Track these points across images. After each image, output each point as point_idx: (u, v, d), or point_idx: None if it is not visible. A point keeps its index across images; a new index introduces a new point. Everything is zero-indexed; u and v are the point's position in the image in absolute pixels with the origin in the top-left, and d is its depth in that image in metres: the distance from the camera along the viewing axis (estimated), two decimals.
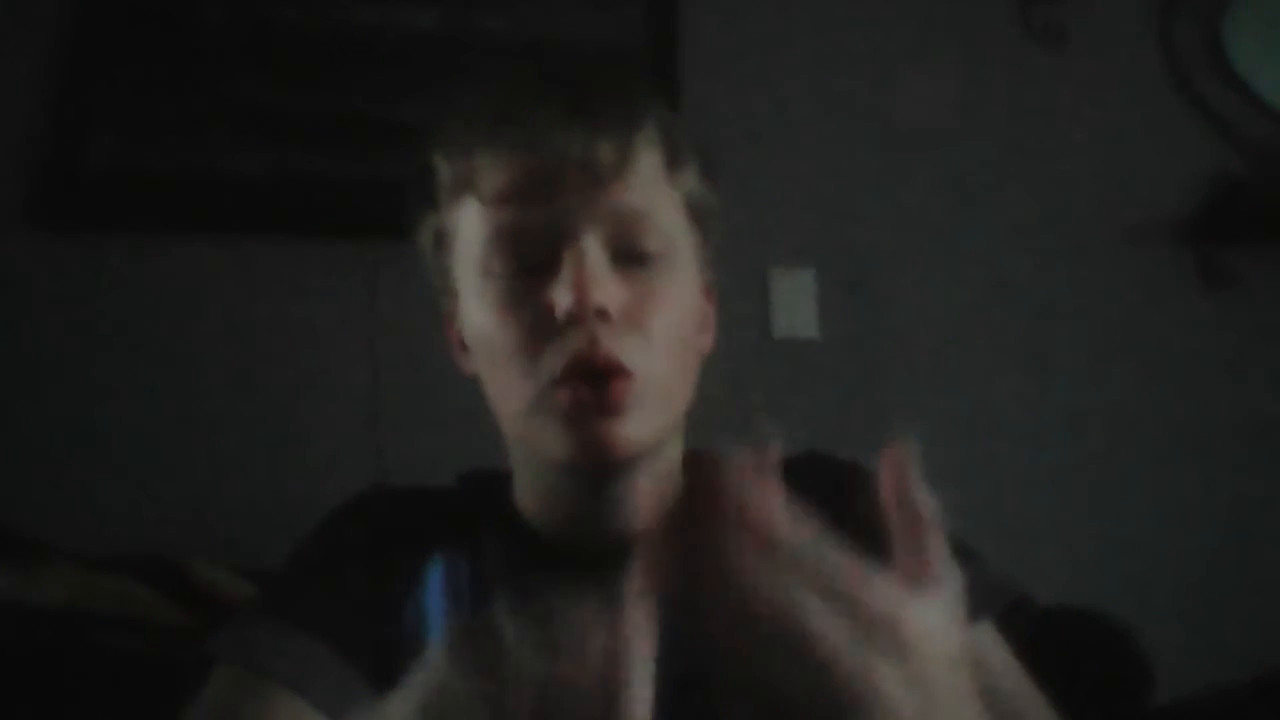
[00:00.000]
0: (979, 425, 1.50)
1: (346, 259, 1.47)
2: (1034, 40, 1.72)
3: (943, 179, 1.62)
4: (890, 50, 1.68)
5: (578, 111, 0.63)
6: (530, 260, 0.63)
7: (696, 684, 0.36)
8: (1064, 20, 1.71)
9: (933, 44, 1.70)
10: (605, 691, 0.35)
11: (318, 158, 1.52)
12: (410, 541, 0.64)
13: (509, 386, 0.64)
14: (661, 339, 0.63)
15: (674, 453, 0.69)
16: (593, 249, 0.62)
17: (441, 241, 0.69)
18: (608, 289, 0.61)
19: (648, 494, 0.45)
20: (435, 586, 0.44)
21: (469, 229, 0.66)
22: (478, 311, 0.65)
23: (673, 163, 0.67)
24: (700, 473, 0.37)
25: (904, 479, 0.37)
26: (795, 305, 1.55)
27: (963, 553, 0.38)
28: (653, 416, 0.63)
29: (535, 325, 0.62)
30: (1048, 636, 0.64)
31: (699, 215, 0.69)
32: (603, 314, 0.60)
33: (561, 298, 0.60)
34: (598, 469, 0.63)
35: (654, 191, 0.65)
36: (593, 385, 0.60)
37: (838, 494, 0.47)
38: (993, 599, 0.65)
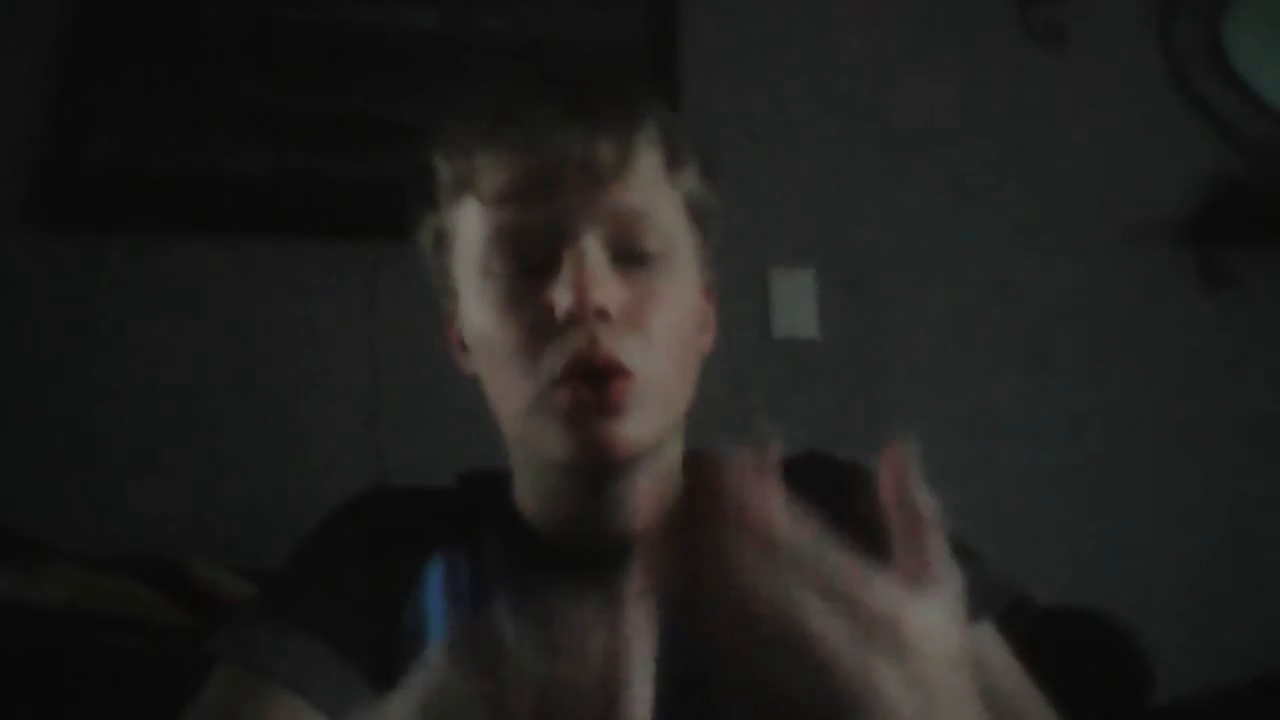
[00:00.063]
0: (979, 425, 1.50)
1: (346, 259, 1.47)
2: (1034, 40, 1.72)
3: (943, 179, 1.62)
4: (890, 50, 1.68)
5: (578, 111, 0.63)
6: (530, 260, 0.63)
7: (696, 684, 0.36)
8: (1064, 20, 1.71)
9: (933, 44, 1.70)
10: (605, 691, 0.35)
11: (318, 158, 1.52)
12: (410, 541, 0.64)
13: (509, 386, 0.64)
14: (661, 339, 0.63)
15: (674, 453, 0.69)
16: (593, 249, 0.61)
17: (441, 241, 0.69)
18: (608, 289, 0.61)
19: (648, 494, 0.45)
20: (435, 586, 0.44)
21: (469, 229, 0.66)
22: (478, 311, 0.65)
23: (673, 163, 0.67)
24: (700, 473, 0.37)
25: (904, 479, 0.37)
26: (795, 305, 1.54)
27: (963, 553, 0.38)
28: (653, 416, 0.62)
29: (535, 325, 0.62)
30: (1048, 636, 0.64)
31: (699, 215, 0.69)
32: (603, 314, 0.60)
33: (561, 298, 0.60)
34: (598, 469, 0.63)
35: (654, 191, 0.65)
36: (593, 385, 0.60)
37: (838, 494, 0.46)
38: (993, 599, 0.65)
